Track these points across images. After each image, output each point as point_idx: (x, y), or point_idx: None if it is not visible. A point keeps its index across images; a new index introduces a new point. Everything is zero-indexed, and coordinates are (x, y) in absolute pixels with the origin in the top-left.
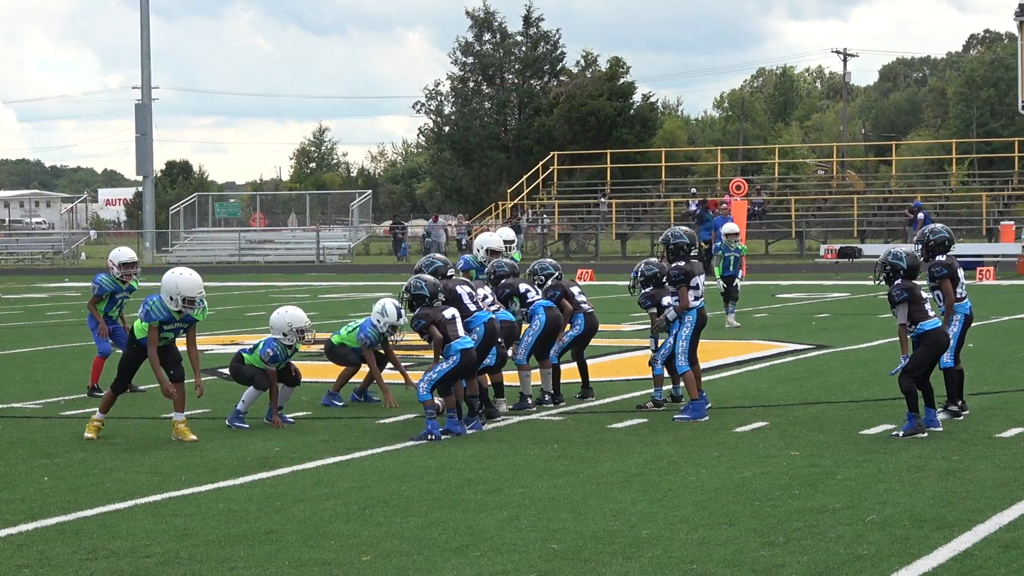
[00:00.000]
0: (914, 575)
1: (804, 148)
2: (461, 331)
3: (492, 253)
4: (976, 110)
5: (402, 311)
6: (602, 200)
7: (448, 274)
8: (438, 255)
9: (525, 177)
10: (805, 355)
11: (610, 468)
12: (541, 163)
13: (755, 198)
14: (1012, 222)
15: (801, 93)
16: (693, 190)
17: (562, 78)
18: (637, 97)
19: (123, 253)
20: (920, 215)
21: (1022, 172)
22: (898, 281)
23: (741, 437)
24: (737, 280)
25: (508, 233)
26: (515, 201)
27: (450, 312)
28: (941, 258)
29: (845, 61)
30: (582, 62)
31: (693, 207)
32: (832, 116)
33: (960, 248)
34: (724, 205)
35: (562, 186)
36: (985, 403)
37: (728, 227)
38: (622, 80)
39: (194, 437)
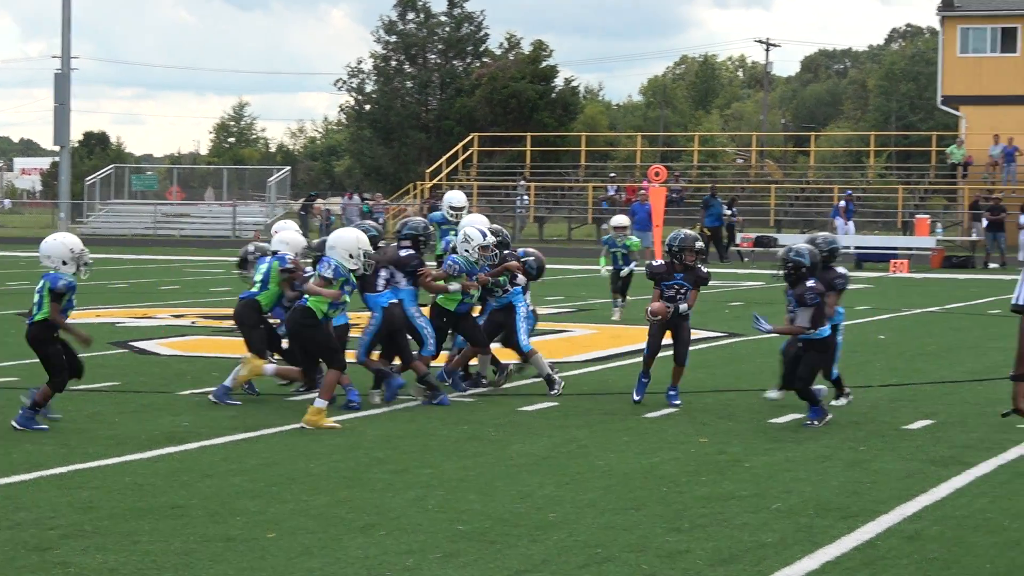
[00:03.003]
0: (817, 564)
1: (724, 136)
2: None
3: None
4: (895, 103)
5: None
6: (521, 183)
7: (379, 245)
8: (371, 223)
9: (445, 158)
10: (717, 343)
11: (519, 451)
12: (461, 144)
13: (674, 185)
14: (927, 215)
15: (723, 81)
16: (612, 175)
17: (485, 60)
18: (559, 81)
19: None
20: (842, 203)
21: (939, 166)
22: (811, 283)
23: (651, 423)
24: (624, 271)
25: (458, 199)
26: (434, 181)
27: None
28: (842, 270)
29: (767, 51)
30: (505, 44)
31: (643, 193)
32: (753, 105)
33: (875, 240)
34: (643, 192)
35: (482, 168)
36: (894, 395)
37: (617, 220)
38: (545, 63)
39: (334, 424)
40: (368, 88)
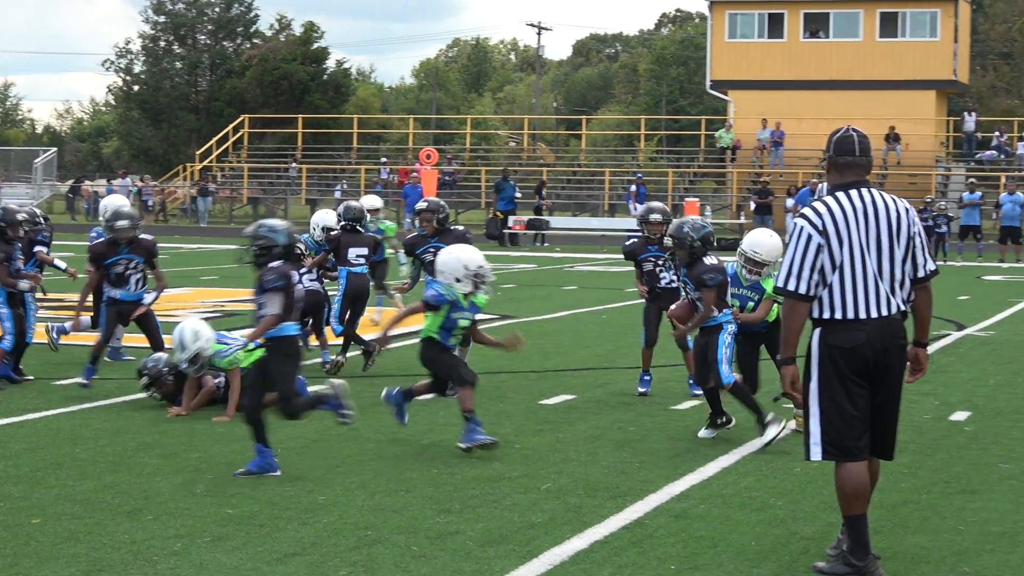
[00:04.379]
0: (586, 543)
1: (496, 119)
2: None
3: (328, 231)
4: (666, 87)
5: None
6: (292, 165)
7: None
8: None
9: (215, 139)
10: (489, 325)
11: (289, 434)
12: (231, 126)
13: (446, 168)
14: (696, 199)
15: (495, 64)
16: (383, 159)
17: (255, 41)
18: (331, 63)
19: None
20: (633, 188)
21: (708, 150)
22: (274, 264)
23: (422, 405)
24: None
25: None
26: (204, 163)
27: None
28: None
29: (539, 34)
30: (276, 25)
31: (415, 175)
32: (525, 89)
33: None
34: (415, 174)
35: (252, 150)
36: (663, 376)
37: (369, 201)
38: (316, 45)
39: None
40: (137, 69)
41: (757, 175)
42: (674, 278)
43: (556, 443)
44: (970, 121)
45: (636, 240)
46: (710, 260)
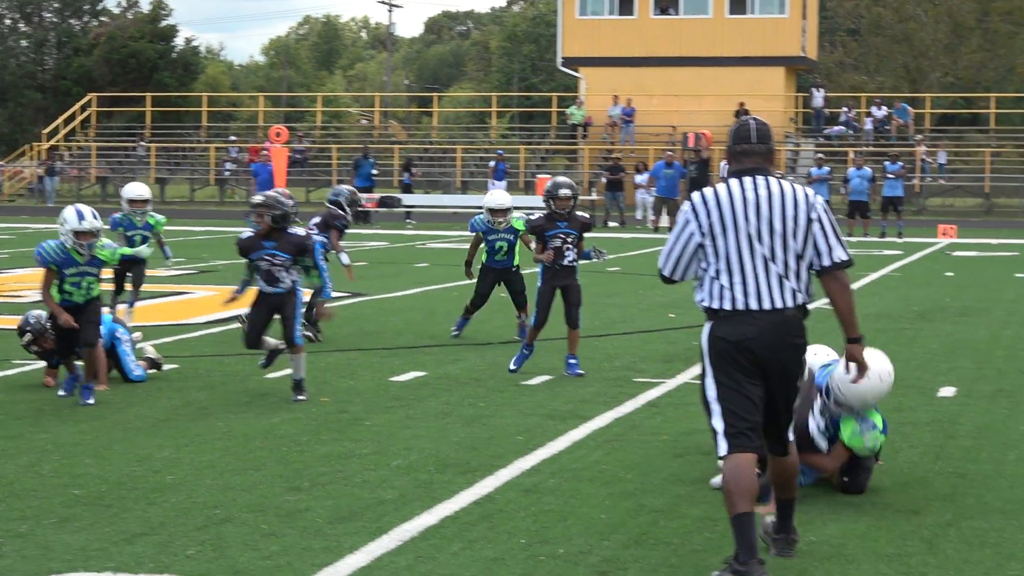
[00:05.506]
0: (436, 519)
1: (347, 97)
2: None
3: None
4: (518, 65)
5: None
6: (141, 144)
7: None
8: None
9: (62, 118)
10: (340, 303)
11: (137, 413)
12: (79, 104)
13: (297, 146)
14: (548, 176)
15: (346, 42)
16: (233, 138)
17: (103, 19)
18: (180, 40)
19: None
20: (492, 163)
21: (560, 127)
22: None
23: (271, 383)
24: (145, 267)
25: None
26: (51, 143)
27: None
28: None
29: (390, 12)
30: (123, 3)
31: (265, 153)
32: (376, 66)
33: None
34: (264, 152)
35: (100, 128)
36: (514, 352)
37: (131, 189)
38: (164, 23)
39: None
40: None
41: (608, 152)
42: (575, 257)
43: (406, 420)
44: (819, 97)
45: (541, 216)
46: None
